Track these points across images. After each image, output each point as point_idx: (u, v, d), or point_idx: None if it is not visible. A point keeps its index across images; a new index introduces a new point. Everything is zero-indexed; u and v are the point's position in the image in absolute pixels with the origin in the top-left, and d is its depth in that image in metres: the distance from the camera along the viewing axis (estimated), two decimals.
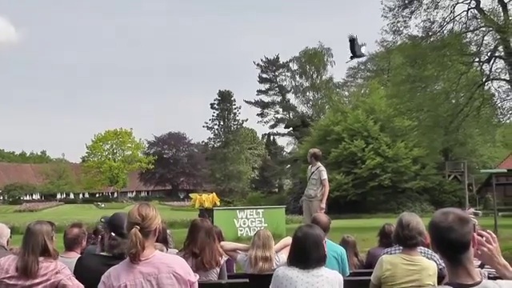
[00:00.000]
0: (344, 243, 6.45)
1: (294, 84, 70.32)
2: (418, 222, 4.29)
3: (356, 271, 5.90)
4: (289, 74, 70.89)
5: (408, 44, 27.23)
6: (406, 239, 4.18)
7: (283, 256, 5.01)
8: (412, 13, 26.74)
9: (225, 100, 72.01)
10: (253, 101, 72.17)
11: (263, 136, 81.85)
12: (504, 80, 26.40)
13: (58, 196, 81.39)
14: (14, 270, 3.61)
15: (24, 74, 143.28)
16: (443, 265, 3.16)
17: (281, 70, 71.54)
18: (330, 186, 10.68)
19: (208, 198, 16.89)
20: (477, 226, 4.10)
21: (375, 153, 43.49)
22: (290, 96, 70.99)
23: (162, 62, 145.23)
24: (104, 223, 5.19)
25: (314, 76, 67.44)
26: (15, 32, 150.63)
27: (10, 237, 5.08)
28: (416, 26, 27.50)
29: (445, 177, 47.94)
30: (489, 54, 26.19)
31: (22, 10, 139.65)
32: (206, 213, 15.19)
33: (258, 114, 72.53)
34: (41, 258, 3.66)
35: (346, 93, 63.68)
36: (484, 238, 2.44)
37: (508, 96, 26.67)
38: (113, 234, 3.74)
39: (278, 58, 70.83)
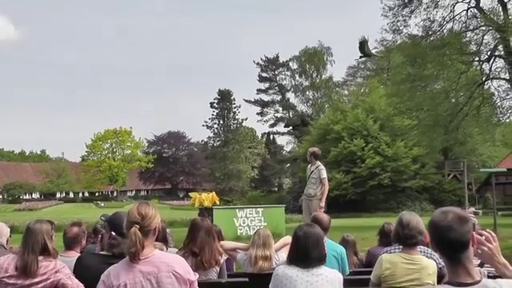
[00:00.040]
0: (344, 242, 6.45)
1: (293, 83, 70.36)
2: (418, 221, 4.29)
3: (356, 270, 5.90)
4: (288, 73, 70.93)
5: (408, 43, 27.24)
6: (406, 238, 4.18)
7: (283, 255, 5.01)
8: (412, 12, 26.77)
9: (224, 99, 71.93)
10: (252, 100, 72.22)
11: (263, 135, 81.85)
12: (504, 79, 26.41)
13: (58, 195, 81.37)
14: (14, 269, 3.60)
15: (23, 72, 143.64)
16: (443, 264, 3.15)
17: (280, 69, 71.55)
18: (329, 185, 10.67)
19: (207, 197, 16.90)
20: (477, 226, 4.10)
21: (375, 152, 43.50)
22: (290, 95, 71.07)
23: (162, 62, 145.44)
24: (104, 221, 5.18)
25: (314, 75, 67.43)
26: (15, 31, 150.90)
27: (10, 236, 5.06)
28: (416, 25, 27.57)
29: (444, 176, 47.98)
30: (488, 53, 26.19)
31: (21, 8, 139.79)
32: (206, 212, 15.20)
33: (257, 113, 72.59)
34: (40, 257, 3.66)
35: (346, 92, 63.65)
36: (483, 237, 2.44)
37: (508, 95, 26.70)
38: (113, 233, 3.73)
39: (277, 57, 70.83)
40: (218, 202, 17.56)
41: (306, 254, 3.59)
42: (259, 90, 71.99)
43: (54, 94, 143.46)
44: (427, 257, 4.34)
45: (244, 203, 48.67)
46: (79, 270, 3.75)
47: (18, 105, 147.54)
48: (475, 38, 25.91)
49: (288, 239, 5.04)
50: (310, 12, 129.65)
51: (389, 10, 27.13)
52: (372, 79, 54.92)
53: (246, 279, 4.74)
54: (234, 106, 72.72)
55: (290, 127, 70.44)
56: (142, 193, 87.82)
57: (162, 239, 5.44)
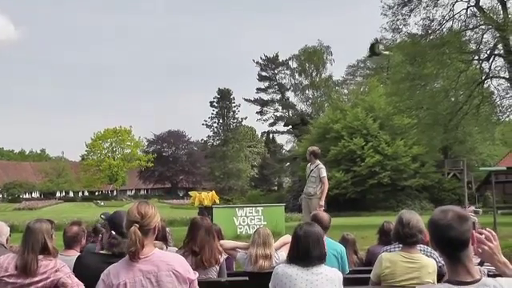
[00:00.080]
0: (344, 241, 6.45)
1: (293, 82, 70.40)
2: (418, 219, 4.29)
3: (355, 269, 5.90)
4: (288, 72, 70.95)
5: (407, 42, 27.23)
6: (406, 237, 4.19)
7: (283, 254, 5.02)
8: (411, 11, 26.76)
9: (224, 98, 71.93)
10: (252, 99, 72.27)
11: (262, 134, 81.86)
12: (503, 78, 26.40)
13: (58, 194, 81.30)
14: (14, 269, 3.60)
15: (23, 72, 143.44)
16: (443, 262, 3.16)
17: (280, 68, 71.57)
18: (329, 183, 10.68)
19: (207, 196, 16.93)
20: (477, 225, 4.10)
21: (374, 151, 43.49)
22: (290, 94, 71.12)
23: (162, 61, 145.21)
24: (104, 220, 5.18)
25: (314, 74, 67.46)
26: (14, 30, 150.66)
27: (10, 235, 5.07)
28: (415, 23, 27.62)
29: (444, 175, 47.98)
30: (488, 52, 26.18)
31: (21, 8, 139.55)
32: (206, 211, 15.21)
33: (257, 112, 72.65)
34: (40, 257, 3.66)
35: (346, 91, 63.69)
36: (483, 236, 2.44)
37: (507, 94, 26.69)
38: (113, 232, 3.73)
39: (277, 56, 70.83)
40: (217, 201, 17.58)
41: (306, 252, 3.59)
42: (259, 89, 72.10)
43: (53, 93, 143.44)
44: (427, 255, 4.35)
45: (244, 202, 48.73)
46: (79, 269, 3.75)
47: (17, 104, 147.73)
48: (475, 36, 25.91)
49: (288, 238, 5.04)
50: (309, 11, 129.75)
51: (388, 9, 27.15)
52: (372, 78, 54.93)
53: (246, 278, 4.74)
54: (233, 104, 72.77)
55: (290, 126, 70.49)
56: (142, 192, 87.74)
57: (162, 238, 5.45)
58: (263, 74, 72.08)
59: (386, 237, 5.77)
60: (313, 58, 66.29)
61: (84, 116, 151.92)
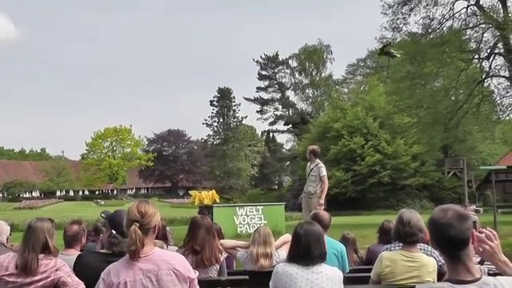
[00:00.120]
0: (344, 240, 6.45)
1: (293, 81, 70.47)
2: (419, 218, 4.29)
3: (356, 268, 5.89)
4: (288, 71, 71.02)
5: (407, 41, 27.24)
6: (406, 236, 4.19)
7: (283, 253, 5.02)
8: (411, 10, 26.78)
9: (224, 97, 71.96)
10: (252, 98, 72.34)
11: (263, 133, 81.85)
12: (503, 77, 26.41)
13: (58, 193, 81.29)
14: (14, 268, 3.61)
15: (23, 71, 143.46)
16: (443, 261, 3.16)
17: (280, 67, 71.63)
18: (329, 182, 10.67)
19: (207, 195, 16.94)
20: (478, 224, 4.10)
21: (375, 150, 43.50)
22: (290, 93, 71.18)
23: (162, 60, 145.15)
24: (104, 218, 5.18)
25: (314, 73, 67.52)
26: (15, 29, 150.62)
27: (10, 234, 5.07)
28: (415, 22, 27.59)
29: (444, 173, 47.96)
30: (488, 51, 26.18)
31: (21, 7, 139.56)
32: (206, 210, 15.21)
33: (257, 111, 72.74)
34: (41, 256, 3.67)
35: (346, 90, 63.70)
36: (483, 235, 2.44)
37: (507, 93, 26.69)
38: (113, 231, 3.73)
39: (277, 55, 70.88)
40: (217, 200, 17.59)
41: (307, 251, 3.59)
42: (259, 88, 72.15)
43: (54, 92, 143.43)
44: (427, 254, 4.35)
45: (244, 201, 48.77)
46: (79, 268, 3.75)
47: (18, 103, 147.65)
48: (475, 35, 25.93)
49: (288, 237, 5.04)
50: (309, 10, 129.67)
51: (388, 8, 27.17)
52: (372, 77, 54.93)
53: (246, 277, 4.74)
54: (233, 104, 72.83)
55: (290, 125, 70.52)
56: (142, 191, 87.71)
57: (162, 237, 5.45)
58: (263, 73, 72.15)
59: (386, 236, 5.77)
60: (313, 56, 66.33)
61: (84, 115, 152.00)
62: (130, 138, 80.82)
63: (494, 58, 26.14)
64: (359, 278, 4.79)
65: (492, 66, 26.16)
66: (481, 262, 3.97)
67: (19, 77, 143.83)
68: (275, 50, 72.41)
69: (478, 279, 2.20)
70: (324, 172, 9.95)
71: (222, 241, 5.42)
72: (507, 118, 30.24)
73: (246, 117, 74.29)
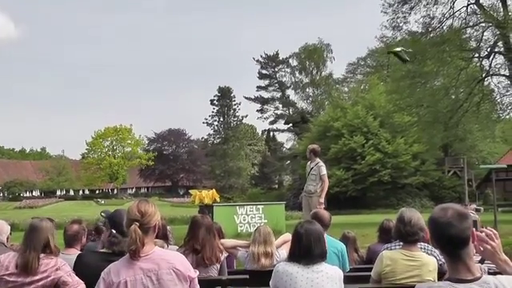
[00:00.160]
0: (344, 239, 6.45)
1: (293, 80, 70.46)
2: (419, 217, 4.29)
3: (356, 267, 5.89)
4: (288, 70, 71.03)
5: (408, 40, 27.23)
6: (407, 235, 4.19)
7: (283, 252, 5.02)
8: (411, 8, 26.78)
9: (224, 96, 71.94)
10: (252, 97, 72.33)
11: (263, 132, 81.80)
12: (503, 75, 26.43)
13: (58, 193, 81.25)
14: (14, 267, 3.61)
15: (24, 70, 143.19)
16: (443, 260, 3.16)
17: (280, 66, 71.62)
18: (329, 181, 10.68)
19: (208, 195, 16.94)
20: (479, 223, 4.10)
21: (375, 149, 43.53)
22: (290, 92, 71.18)
23: (162, 59, 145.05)
24: (104, 217, 5.18)
25: (314, 72, 67.52)
26: (15, 28, 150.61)
27: (10, 233, 5.06)
28: (415, 21, 27.59)
29: (444, 172, 47.99)
30: (488, 50, 26.19)
31: (21, 6, 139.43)
32: (206, 209, 15.20)
33: (257, 110, 72.76)
34: (42, 255, 3.67)
35: (346, 89, 63.73)
36: (483, 234, 2.44)
37: (507, 91, 26.71)
38: (113, 231, 3.73)
39: (277, 54, 70.88)
40: (218, 200, 17.59)
41: (307, 251, 3.59)
42: (259, 87, 72.17)
43: (54, 91, 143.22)
44: (428, 253, 4.35)
45: (244, 200, 48.72)
46: (79, 268, 3.75)
47: (18, 103, 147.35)
48: (475, 34, 25.94)
49: (288, 236, 5.05)
50: (309, 9, 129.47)
51: (388, 7, 27.19)
52: (372, 76, 54.94)
53: (247, 276, 4.74)
54: (234, 103, 72.80)
55: (290, 124, 70.54)
56: (143, 190, 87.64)
57: (163, 236, 5.44)
58: (263, 72, 72.15)
59: (385, 235, 5.77)
60: (313, 55, 66.34)
61: (84, 114, 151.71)
62: (131, 137, 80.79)
63: (494, 56, 26.17)
64: (359, 277, 4.79)
65: (492, 65, 26.22)
66: (481, 261, 3.97)
67: (19, 76, 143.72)
68: (275, 48, 72.63)
69: (479, 278, 2.20)
70: (324, 171, 9.96)
71: (222, 240, 5.42)
72: (507, 116, 30.29)
73: (246, 116, 74.37)
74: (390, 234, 5.02)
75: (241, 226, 15.22)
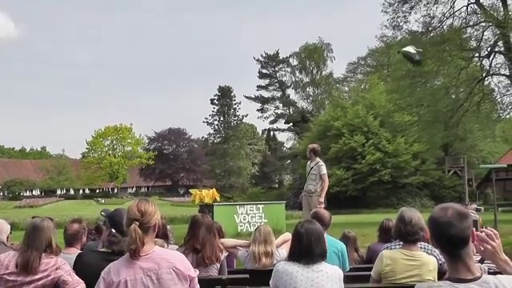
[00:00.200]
0: (345, 238, 6.45)
1: (293, 79, 70.47)
2: (420, 217, 4.29)
3: (356, 266, 5.89)
4: (289, 69, 71.05)
5: (408, 39, 27.18)
6: (407, 235, 4.19)
7: (283, 251, 5.02)
8: (412, 8, 26.77)
9: (225, 95, 71.97)
10: (253, 96, 72.34)
11: (263, 131, 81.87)
12: (504, 75, 26.41)
13: (58, 192, 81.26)
14: (14, 267, 3.61)
15: (24, 70, 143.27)
16: (443, 260, 3.16)
17: (281, 66, 71.63)
18: (329, 181, 10.68)
19: (208, 194, 16.95)
20: (479, 223, 4.09)
21: (375, 148, 43.53)
22: (290, 91, 71.22)
23: (162, 58, 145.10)
24: (104, 217, 5.18)
25: (314, 71, 67.53)
26: (15, 28, 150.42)
27: (10, 233, 5.07)
28: (416, 21, 27.57)
29: (445, 172, 48.00)
30: (488, 49, 26.17)
31: (21, 5, 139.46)
32: (206, 208, 15.21)
33: (257, 110, 72.77)
34: (42, 255, 3.67)
35: (346, 88, 63.76)
36: (483, 233, 2.44)
37: (508, 91, 26.69)
38: (113, 230, 3.73)
39: (277, 53, 70.90)
40: (218, 199, 17.60)
41: (308, 250, 3.59)
42: (259, 87, 72.18)
43: (54, 91, 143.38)
44: (428, 253, 4.35)
45: (244, 200, 48.72)
46: (79, 267, 3.75)
47: (18, 102, 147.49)
48: (475, 33, 25.92)
49: (288, 236, 5.05)
50: (310, 8, 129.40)
51: (389, 6, 27.17)
52: (372, 75, 54.95)
53: (247, 276, 4.74)
54: (234, 102, 72.86)
55: (291, 124, 70.56)
56: (143, 189, 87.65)
57: (163, 236, 5.44)
58: (264, 71, 72.16)
59: (385, 234, 5.77)
60: (313, 55, 66.34)
61: (84, 114, 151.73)
62: (131, 136, 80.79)
63: (494, 56, 26.14)
64: (359, 276, 4.79)
65: (492, 65, 26.19)
66: (481, 261, 3.97)
67: (19, 75, 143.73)
68: (275, 48, 72.55)
69: (479, 278, 2.20)
70: (324, 170, 9.96)
71: (222, 240, 5.42)
72: (507, 116, 30.30)
73: (246, 115, 74.45)
74: (390, 233, 5.02)
75: (241, 226, 15.22)
